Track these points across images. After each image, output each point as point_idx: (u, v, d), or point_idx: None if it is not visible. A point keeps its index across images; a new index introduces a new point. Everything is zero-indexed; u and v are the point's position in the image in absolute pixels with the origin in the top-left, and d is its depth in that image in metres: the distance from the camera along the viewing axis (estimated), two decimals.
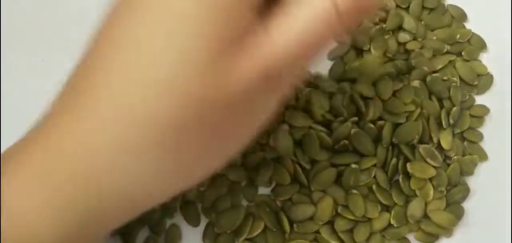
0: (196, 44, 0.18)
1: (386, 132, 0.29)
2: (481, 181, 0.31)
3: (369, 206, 0.28)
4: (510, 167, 0.31)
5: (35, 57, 0.33)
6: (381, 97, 0.31)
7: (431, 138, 0.30)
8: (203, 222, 0.29)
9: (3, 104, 0.31)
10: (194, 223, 0.29)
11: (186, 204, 0.29)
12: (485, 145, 0.32)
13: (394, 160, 0.29)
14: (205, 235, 0.28)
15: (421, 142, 0.30)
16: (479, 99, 0.33)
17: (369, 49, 0.33)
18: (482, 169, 0.31)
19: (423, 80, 0.32)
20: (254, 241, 0.28)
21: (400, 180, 0.29)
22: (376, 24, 0.34)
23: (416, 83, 0.31)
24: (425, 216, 0.29)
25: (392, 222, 0.28)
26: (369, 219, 0.29)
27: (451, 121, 0.31)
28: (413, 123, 0.30)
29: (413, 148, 0.30)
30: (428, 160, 0.29)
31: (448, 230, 0.29)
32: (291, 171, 0.29)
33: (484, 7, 0.36)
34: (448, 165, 0.30)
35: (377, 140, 0.30)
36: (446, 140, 0.30)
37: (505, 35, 0.35)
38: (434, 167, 0.29)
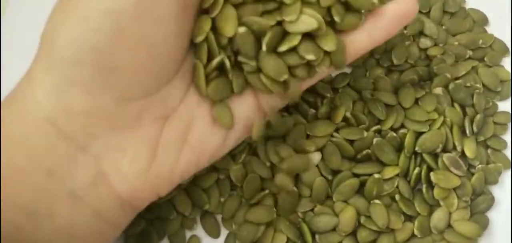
0: None
1: (408, 141, 0.29)
2: (505, 189, 0.30)
3: (392, 216, 0.28)
4: None
5: None
6: (403, 105, 0.30)
7: (454, 147, 0.29)
8: (223, 233, 0.29)
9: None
10: (214, 234, 0.28)
11: (206, 215, 0.29)
12: (509, 152, 0.31)
13: (417, 169, 0.28)
14: None
15: (444, 150, 0.29)
16: (502, 106, 0.32)
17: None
18: (506, 177, 0.30)
19: (446, 87, 0.31)
20: None
21: (424, 189, 0.28)
22: None
23: (438, 90, 0.31)
24: (449, 226, 0.28)
25: (416, 232, 0.28)
26: (392, 230, 0.28)
27: (475, 129, 0.30)
28: (436, 131, 0.29)
29: (436, 156, 0.29)
30: (452, 169, 0.28)
31: (473, 241, 0.28)
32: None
33: (505, 10, 0.35)
34: (472, 173, 0.29)
35: (399, 149, 0.29)
36: (470, 148, 0.29)
37: None
38: (458, 176, 0.28)
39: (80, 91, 0.20)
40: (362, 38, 0.25)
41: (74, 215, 0.20)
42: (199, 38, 0.23)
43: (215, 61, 0.23)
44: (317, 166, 0.28)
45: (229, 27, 0.22)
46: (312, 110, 0.29)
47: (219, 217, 0.29)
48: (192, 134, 0.23)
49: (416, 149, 0.29)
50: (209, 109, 0.23)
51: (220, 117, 0.23)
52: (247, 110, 0.24)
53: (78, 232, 0.20)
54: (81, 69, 0.19)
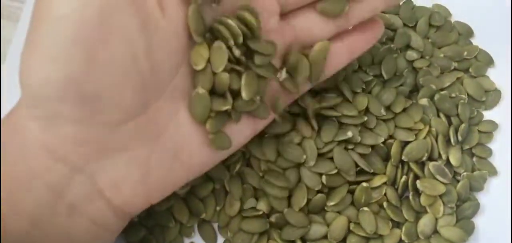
0: None
1: (395, 150, 0.29)
2: (491, 196, 0.30)
3: (380, 223, 0.28)
4: None
5: None
6: (394, 111, 0.31)
7: (440, 155, 0.30)
8: (220, 240, 0.29)
9: (3, 105, 0.31)
10: (211, 241, 0.29)
11: (203, 223, 0.30)
12: (495, 160, 0.31)
13: (404, 178, 0.29)
14: None
15: (430, 159, 0.30)
16: (488, 115, 0.33)
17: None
18: (492, 184, 0.31)
19: (431, 98, 0.32)
20: None
21: (410, 197, 0.29)
22: (383, 43, 0.34)
23: (424, 101, 0.31)
24: (436, 232, 0.29)
25: (404, 238, 0.28)
26: (381, 236, 0.29)
27: (460, 138, 0.30)
28: (422, 141, 0.30)
29: (422, 165, 0.30)
30: (438, 177, 0.29)
31: None
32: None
33: (490, 22, 0.36)
34: (458, 181, 0.30)
35: (386, 158, 0.30)
36: (455, 156, 0.30)
37: (510, 49, 0.35)
38: (444, 183, 0.29)
39: (67, 123, 0.20)
40: (342, 52, 0.27)
41: (73, 224, 0.21)
42: (199, 67, 0.23)
43: (224, 108, 0.23)
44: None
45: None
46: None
47: (216, 225, 0.30)
48: (183, 152, 0.23)
49: (403, 158, 0.29)
50: (200, 128, 0.24)
51: (218, 144, 0.24)
52: (242, 129, 0.25)
53: (77, 238, 0.22)
54: (63, 104, 0.19)
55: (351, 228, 0.28)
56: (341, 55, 0.27)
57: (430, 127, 0.30)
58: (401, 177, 0.29)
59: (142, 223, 0.29)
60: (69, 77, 0.19)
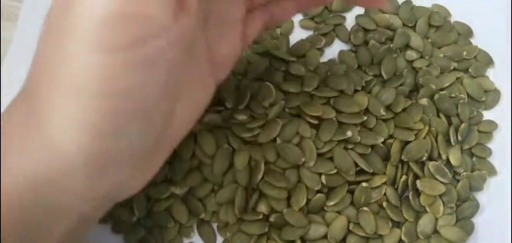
0: None
1: (394, 150, 0.29)
2: (490, 195, 0.30)
3: (380, 223, 0.28)
4: None
5: None
6: (394, 111, 0.31)
7: (440, 155, 0.30)
8: (219, 241, 0.29)
9: (3, 105, 0.31)
10: (211, 241, 0.29)
11: (202, 223, 0.29)
12: (494, 159, 0.31)
13: (404, 177, 0.29)
14: None
15: (430, 159, 0.30)
16: (487, 115, 0.33)
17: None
18: (491, 183, 0.31)
19: (431, 98, 0.31)
20: None
21: (410, 196, 0.29)
22: (383, 43, 0.34)
23: (424, 101, 0.31)
24: (436, 231, 0.29)
25: (403, 238, 0.28)
26: (381, 236, 0.28)
27: (460, 138, 0.30)
28: (422, 141, 0.30)
29: (422, 165, 0.30)
30: (438, 176, 0.29)
31: None
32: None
33: (489, 22, 0.36)
34: (458, 181, 0.30)
35: (386, 158, 0.30)
36: (454, 156, 0.30)
37: (510, 49, 0.35)
38: (444, 183, 0.29)
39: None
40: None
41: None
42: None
43: None
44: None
45: None
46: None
47: (215, 225, 0.30)
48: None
49: (403, 157, 0.29)
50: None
51: None
52: None
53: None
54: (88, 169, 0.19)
55: (350, 228, 0.28)
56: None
57: (430, 126, 0.30)
58: (401, 177, 0.29)
59: (141, 223, 0.29)
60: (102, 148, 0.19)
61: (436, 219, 0.29)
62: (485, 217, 0.30)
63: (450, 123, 0.31)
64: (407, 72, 0.33)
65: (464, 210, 0.29)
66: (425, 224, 0.29)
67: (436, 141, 0.30)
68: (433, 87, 0.32)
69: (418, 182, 0.29)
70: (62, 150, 0.18)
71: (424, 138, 0.30)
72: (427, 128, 0.30)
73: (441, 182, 0.29)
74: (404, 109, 0.31)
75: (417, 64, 0.33)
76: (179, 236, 0.29)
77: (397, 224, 0.29)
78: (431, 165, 0.29)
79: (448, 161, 0.30)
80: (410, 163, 0.29)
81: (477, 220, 0.29)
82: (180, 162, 0.29)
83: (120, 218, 0.29)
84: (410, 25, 0.35)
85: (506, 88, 0.33)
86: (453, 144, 0.30)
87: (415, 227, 0.29)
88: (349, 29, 0.35)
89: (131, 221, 0.29)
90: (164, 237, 0.29)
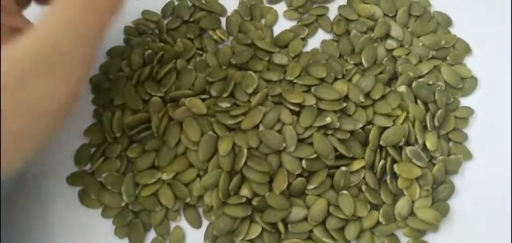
0: None
1: (373, 135, 0.30)
2: (466, 179, 0.31)
3: (359, 206, 0.29)
4: (493, 165, 0.31)
5: None
6: (373, 98, 0.31)
7: (416, 140, 0.30)
8: (205, 224, 0.30)
9: None
10: (196, 225, 0.30)
11: (188, 207, 0.30)
12: (470, 144, 0.32)
13: (382, 162, 0.30)
14: (206, 236, 0.29)
15: (407, 144, 0.31)
16: (465, 101, 0.34)
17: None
18: (467, 167, 0.32)
19: (409, 85, 0.32)
20: (252, 242, 0.29)
21: (388, 180, 0.30)
22: (364, 33, 0.35)
23: (402, 88, 0.32)
24: (412, 213, 0.30)
25: (381, 220, 0.29)
26: (359, 218, 0.29)
27: (436, 123, 0.31)
28: (400, 127, 0.30)
29: (400, 149, 0.30)
30: (414, 160, 0.30)
31: (434, 226, 0.29)
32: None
33: (469, 11, 0.36)
34: (434, 165, 0.31)
35: (365, 143, 0.31)
36: (431, 141, 0.30)
37: (489, 37, 0.35)
38: (420, 167, 0.30)
39: None
40: None
41: None
42: None
43: None
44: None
45: None
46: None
47: (200, 209, 0.30)
48: None
49: (381, 142, 0.30)
50: None
51: None
52: None
53: None
54: None
55: (330, 210, 0.29)
56: None
57: (407, 113, 0.31)
58: (379, 161, 0.30)
59: (129, 208, 0.30)
60: None
61: (413, 201, 0.30)
62: (460, 200, 0.30)
63: (427, 109, 0.32)
64: (387, 61, 0.34)
65: (439, 193, 0.30)
66: (402, 206, 0.29)
67: (413, 127, 0.31)
68: (411, 74, 0.32)
69: (395, 166, 0.30)
70: None
71: (402, 123, 0.31)
72: (404, 114, 0.31)
73: (417, 165, 0.30)
74: (383, 97, 0.32)
75: (396, 53, 0.34)
76: (166, 220, 0.30)
77: (375, 207, 0.30)
78: (408, 149, 0.30)
79: (424, 145, 0.31)
80: (388, 148, 0.30)
81: (452, 202, 0.30)
82: (167, 149, 0.30)
83: (109, 204, 0.29)
84: (390, 15, 0.36)
85: (484, 75, 0.34)
86: (429, 129, 0.31)
87: (393, 209, 0.29)
88: (332, 19, 0.36)
89: (120, 206, 0.29)
90: (151, 221, 0.30)
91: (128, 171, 0.30)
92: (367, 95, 0.31)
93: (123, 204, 0.29)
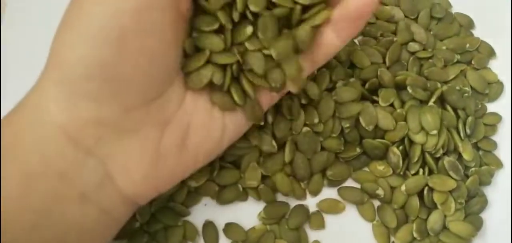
0: None
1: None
2: (497, 189, 0.29)
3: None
4: None
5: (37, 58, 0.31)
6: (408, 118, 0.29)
7: (455, 149, 0.28)
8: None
9: (3, 105, 0.30)
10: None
11: (207, 225, 0.28)
12: (499, 152, 0.30)
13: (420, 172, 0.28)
14: None
15: (445, 153, 0.28)
16: (491, 107, 0.32)
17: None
18: (498, 176, 0.30)
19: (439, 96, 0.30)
20: None
21: (425, 192, 0.27)
22: (381, 36, 0.33)
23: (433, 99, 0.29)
24: (445, 227, 0.28)
25: (415, 235, 0.27)
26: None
27: (468, 131, 0.29)
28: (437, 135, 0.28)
29: (437, 160, 0.28)
30: (451, 172, 0.27)
31: (467, 241, 0.27)
32: None
33: (490, 13, 0.35)
34: (467, 176, 0.28)
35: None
36: (467, 151, 0.28)
37: (510, 39, 0.34)
38: (455, 179, 0.28)
39: (89, 102, 0.20)
40: (331, 39, 0.24)
41: (83, 214, 0.21)
42: None
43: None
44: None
45: None
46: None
47: (220, 227, 0.28)
48: (190, 139, 0.23)
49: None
50: (205, 114, 0.24)
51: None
52: (238, 118, 0.25)
53: (86, 228, 0.21)
54: (90, 83, 0.20)
55: None
56: (331, 43, 0.25)
57: (441, 120, 0.28)
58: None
59: (144, 228, 0.27)
60: (101, 58, 0.19)
61: (445, 215, 0.28)
62: (493, 212, 0.29)
63: (458, 117, 0.30)
64: (412, 62, 0.31)
65: (472, 206, 0.28)
66: (435, 220, 0.27)
67: (452, 136, 0.29)
68: (438, 85, 0.30)
69: (428, 179, 0.28)
70: (60, 59, 0.20)
71: (439, 132, 0.28)
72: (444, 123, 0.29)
73: (453, 178, 0.28)
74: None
75: (420, 55, 0.32)
76: (184, 240, 0.27)
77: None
78: (446, 161, 0.28)
79: (459, 155, 0.29)
80: (427, 156, 0.28)
81: (485, 215, 0.28)
82: None
83: (123, 225, 0.27)
84: (412, 17, 0.34)
85: (508, 79, 0.32)
86: (462, 138, 0.29)
87: (425, 224, 0.28)
88: None
89: (134, 227, 0.27)
90: (168, 241, 0.27)
91: None
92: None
93: (138, 224, 0.27)
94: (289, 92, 0.26)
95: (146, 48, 0.20)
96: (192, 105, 0.23)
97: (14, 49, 0.32)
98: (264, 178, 0.28)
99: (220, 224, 0.28)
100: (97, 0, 0.19)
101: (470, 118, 0.29)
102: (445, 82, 0.31)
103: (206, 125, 0.24)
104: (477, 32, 0.34)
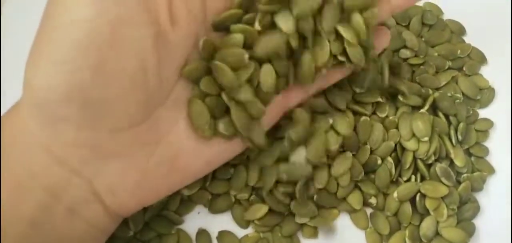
0: None
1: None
2: (489, 195, 0.29)
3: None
4: None
5: None
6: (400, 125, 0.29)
7: (447, 155, 0.28)
8: None
9: (3, 105, 0.30)
10: None
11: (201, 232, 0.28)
12: (491, 158, 0.30)
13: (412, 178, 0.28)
14: None
15: (437, 160, 0.28)
16: (483, 113, 0.32)
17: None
18: (490, 182, 0.29)
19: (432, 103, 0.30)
20: None
21: (417, 199, 0.27)
22: None
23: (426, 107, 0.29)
24: (437, 234, 0.28)
25: (408, 241, 0.27)
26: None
27: (460, 137, 0.29)
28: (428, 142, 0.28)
29: (429, 166, 0.28)
30: (443, 179, 0.27)
31: None
32: None
33: (481, 19, 0.35)
34: (459, 182, 0.28)
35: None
36: (459, 157, 0.28)
37: (503, 46, 0.34)
38: (447, 185, 0.28)
39: (68, 126, 0.19)
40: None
41: (71, 227, 0.21)
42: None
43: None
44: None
45: None
46: None
47: (214, 235, 0.28)
48: (180, 160, 0.23)
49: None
50: (198, 138, 0.23)
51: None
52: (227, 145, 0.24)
53: (74, 240, 0.21)
54: (66, 108, 0.19)
55: None
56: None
57: (433, 127, 0.28)
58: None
59: (138, 237, 0.27)
60: (74, 83, 0.18)
61: (437, 221, 0.28)
62: (485, 218, 0.28)
63: (449, 123, 0.30)
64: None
65: (464, 212, 0.28)
66: (427, 226, 0.27)
67: (444, 142, 0.29)
68: (430, 91, 0.30)
69: (420, 185, 0.27)
70: (34, 85, 0.19)
71: (431, 138, 0.28)
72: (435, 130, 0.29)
73: (445, 184, 0.27)
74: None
75: (412, 61, 0.32)
76: None
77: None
78: (438, 167, 0.28)
79: (451, 161, 0.28)
80: (419, 163, 0.28)
81: (477, 221, 0.28)
82: None
83: (116, 234, 0.26)
84: (403, 24, 0.34)
85: (499, 85, 0.32)
86: (454, 144, 0.29)
87: (418, 230, 0.27)
88: None
89: (128, 235, 0.26)
90: None
91: None
92: None
93: (131, 233, 0.26)
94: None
95: (126, 70, 0.19)
96: (186, 128, 0.23)
97: (13, 48, 0.32)
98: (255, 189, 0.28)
99: (214, 232, 0.28)
100: (68, 19, 0.18)
101: (461, 125, 0.29)
102: (437, 89, 0.31)
103: (198, 148, 0.23)
104: (468, 39, 0.34)
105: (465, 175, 0.28)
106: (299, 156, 0.25)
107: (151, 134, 0.21)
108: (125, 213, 0.23)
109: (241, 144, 0.24)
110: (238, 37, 0.22)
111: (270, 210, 0.27)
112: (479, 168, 0.29)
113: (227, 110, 0.23)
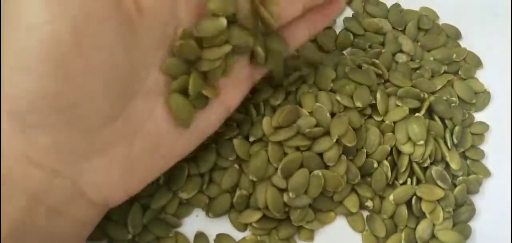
0: None
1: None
2: (486, 198, 0.29)
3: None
4: None
5: None
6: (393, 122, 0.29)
7: (443, 158, 0.28)
8: None
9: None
10: None
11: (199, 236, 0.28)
12: (487, 161, 0.30)
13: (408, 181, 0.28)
14: None
15: (432, 163, 0.28)
16: (478, 116, 0.32)
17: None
18: (486, 185, 0.30)
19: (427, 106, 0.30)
20: None
21: (413, 202, 0.27)
22: (370, 47, 0.33)
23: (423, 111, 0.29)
24: (433, 236, 0.28)
25: None
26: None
27: (455, 141, 0.29)
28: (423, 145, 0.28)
29: (425, 169, 0.28)
30: (439, 182, 0.27)
31: None
32: None
33: (477, 24, 0.35)
34: (455, 185, 0.28)
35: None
36: (455, 160, 0.28)
37: (499, 50, 0.34)
38: (443, 188, 0.28)
39: (42, 132, 0.19)
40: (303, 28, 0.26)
41: (56, 225, 0.20)
42: None
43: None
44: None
45: None
46: None
47: (211, 238, 0.28)
48: (161, 145, 0.22)
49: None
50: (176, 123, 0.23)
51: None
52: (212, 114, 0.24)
53: (59, 236, 0.21)
54: (38, 115, 0.18)
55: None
56: (302, 31, 0.26)
57: (428, 130, 0.29)
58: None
59: (136, 240, 0.27)
60: (38, 92, 0.18)
61: (434, 224, 0.28)
62: (481, 220, 0.28)
63: (445, 126, 0.30)
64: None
65: (460, 214, 0.28)
66: (423, 229, 0.27)
67: (439, 145, 0.28)
68: (425, 95, 0.30)
69: (417, 188, 0.27)
70: (4, 93, 0.18)
71: (426, 141, 0.28)
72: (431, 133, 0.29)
73: (440, 187, 0.28)
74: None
75: (409, 65, 0.32)
76: None
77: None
78: (433, 170, 0.28)
79: (447, 164, 0.28)
80: (415, 166, 0.28)
81: (473, 223, 0.28)
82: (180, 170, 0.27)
83: (115, 237, 0.27)
84: (399, 28, 0.34)
85: (495, 89, 0.32)
86: (450, 147, 0.29)
87: (414, 233, 0.27)
88: (337, 32, 0.34)
89: (126, 238, 0.27)
90: None
91: (135, 200, 0.27)
92: None
93: (130, 236, 0.26)
94: None
95: (94, 68, 0.18)
96: (164, 114, 0.22)
97: None
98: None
99: (212, 235, 0.27)
100: (25, 25, 0.17)
101: (457, 128, 0.29)
102: (433, 93, 0.31)
103: (178, 130, 0.23)
104: (464, 43, 0.34)
105: (461, 178, 0.28)
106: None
107: (129, 126, 0.21)
108: (113, 204, 0.22)
109: (220, 113, 0.24)
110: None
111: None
112: (475, 171, 0.29)
113: None
